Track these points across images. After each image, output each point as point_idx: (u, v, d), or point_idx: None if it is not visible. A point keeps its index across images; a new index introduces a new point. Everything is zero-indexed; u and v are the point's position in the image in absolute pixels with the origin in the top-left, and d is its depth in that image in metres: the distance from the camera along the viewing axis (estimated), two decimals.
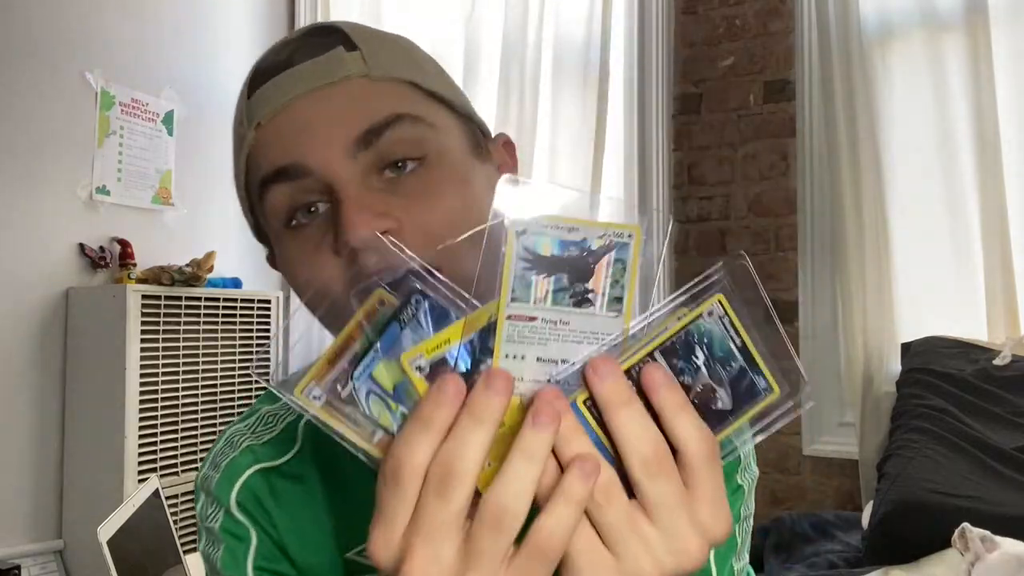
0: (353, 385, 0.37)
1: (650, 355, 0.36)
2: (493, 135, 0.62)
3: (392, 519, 0.34)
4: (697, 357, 0.36)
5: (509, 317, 0.35)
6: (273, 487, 0.58)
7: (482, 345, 0.36)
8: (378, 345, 0.37)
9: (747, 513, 0.58)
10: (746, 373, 0.36)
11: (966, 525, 1.47)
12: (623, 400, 0.34)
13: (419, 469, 0.34)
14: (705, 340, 0.36)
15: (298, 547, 0.57)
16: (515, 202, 0.35)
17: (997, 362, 1.97)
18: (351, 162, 0.50)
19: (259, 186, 0.53)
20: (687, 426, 0.35)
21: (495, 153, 0.61)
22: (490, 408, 0.33)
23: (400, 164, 0.51)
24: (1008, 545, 1.44)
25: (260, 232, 0.60)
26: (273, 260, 0.60)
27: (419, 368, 0.36)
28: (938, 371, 1.99)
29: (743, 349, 0.36)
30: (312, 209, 0.51)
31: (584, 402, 0.35)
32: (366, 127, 0.50)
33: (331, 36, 0.54)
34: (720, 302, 0.36)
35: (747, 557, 0.58)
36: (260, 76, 0.55)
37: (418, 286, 0.37)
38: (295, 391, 0.36)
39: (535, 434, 0.33)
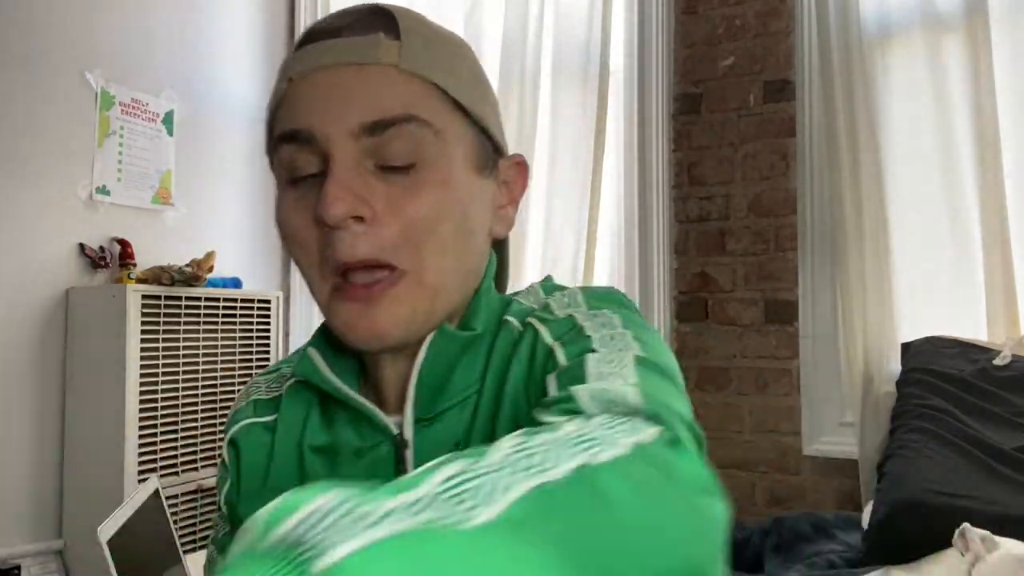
0: None
1: None
2: (510, 153, 0.64)
3: None
4: None
5: None
6: (254, 439, 0.65)
7: None
8: None
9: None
10: None
11: (966, 525, 1.47)
12: None
13: None
14: None
15: (243, 495, 0.64)
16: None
17: (997, 362, 1.97)
18: (352, 143, 0.53)
19: (275, 138, 0.57)
20: None
21: (504, 171, 0.63)
22: None
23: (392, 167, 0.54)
24: (1008, 545, 1.44)
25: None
26: None
27: None
28: (938, 371, 1.99)
29: None
30: (311, 171, 0.55)
31: None
32: (376, 118, 0.53)
33: (382, 19, 0.56)
34: None
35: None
36: (311, 35, 0.58)
37: None
38: None
39: None
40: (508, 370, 0.57)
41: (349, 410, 0.60)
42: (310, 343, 0.62)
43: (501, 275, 0.69)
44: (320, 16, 2.91)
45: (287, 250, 0.58)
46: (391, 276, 0.54)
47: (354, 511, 0.26)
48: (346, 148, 0.53)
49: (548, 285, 0.66)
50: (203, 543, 2.13)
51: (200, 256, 2.29)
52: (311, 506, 0.26)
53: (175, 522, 1.86)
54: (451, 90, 0.56)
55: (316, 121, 0.54)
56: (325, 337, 0.61)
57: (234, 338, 2.35)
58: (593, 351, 0.52)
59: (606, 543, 0.31)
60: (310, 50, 0.56)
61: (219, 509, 0.67)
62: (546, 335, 0.57)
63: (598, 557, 0.30)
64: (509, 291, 0.70)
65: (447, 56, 0.58)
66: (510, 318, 0.61)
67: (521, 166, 0.64)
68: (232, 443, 0.65)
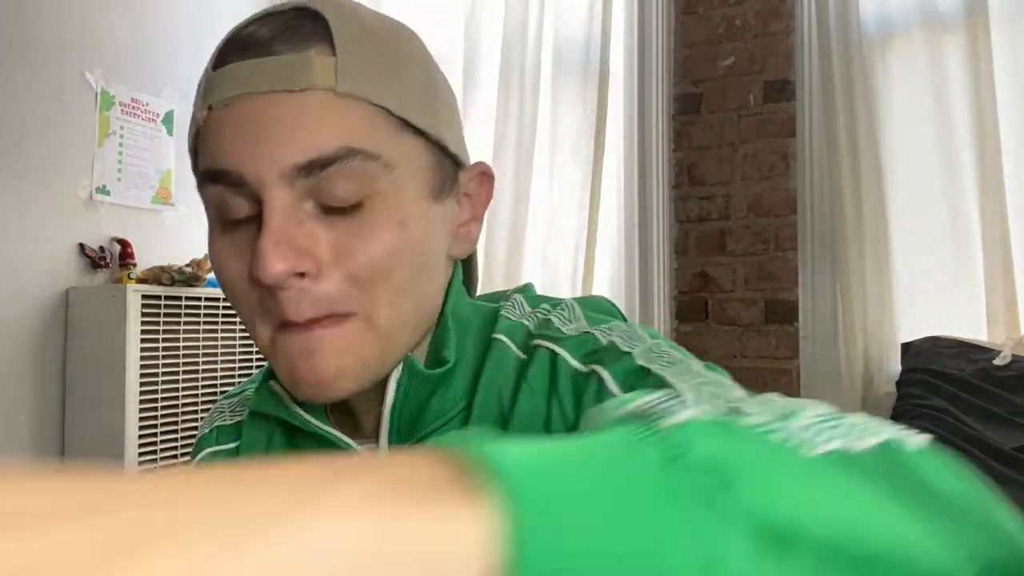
0: None
1: None
2: (472, 161, 0.57)
3: None
4: None
5: None
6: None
7: None
8: None
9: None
10: None
11: None
12: None
13: None
14: None
15: None
16: None
17: (997, 362, 1.97)
18: (286, 187, 0.46)
19: (200, 174, 0.51)
20: None
21: (466, 183, 0.56)
22: None
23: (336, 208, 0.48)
24: None
25: None
26: None
27: None
28: (938, 371, 1.99)
29: None
30: (243, 215, 0.49)
31: None
32: (313, 156, 0.46)
33: (315, 29, 0.48)
34: None
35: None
36: (232, 48, 0.50)
37: None
38: None
39: None
40: (516, 397, 0.52)
41: (317, 438, 0.55)
42: (270, 375, 0.58)
43: (469, 280, 0.63)
44: None
45: (225, 294, 0.52)
46: (336, 316, 0.48)
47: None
48: (281, 193, 0.46)
49: (531, 296, 0.60)
50: None
51: (200, 256, 2.29)
52: (652, 396, 0.30)
53: None
54: (398, 110, 0.49)
55: (244, 162, 0.46)
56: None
57: (234, 338, 2.35)
58: (645, 368, 0.48)
59: (945, 513, 0.28)
60: (230, 71, 0.48)
61: None
62: (569, 358, 0.51)
63: (945, 522, 0.27)
64: (490, 290, 0.66)
65: (390, 65, 0.50)
66: (501, 336, 0.55)
67: (485, 176, 0.57)
68: None
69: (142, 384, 2.08)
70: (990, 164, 2.10)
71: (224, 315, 2.32)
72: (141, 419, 2.08)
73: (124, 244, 2.28)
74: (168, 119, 2.49)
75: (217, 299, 2.29)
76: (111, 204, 2.31)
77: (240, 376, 2.35)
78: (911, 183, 2.23)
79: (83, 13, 2.27)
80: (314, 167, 0.46)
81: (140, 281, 2.20)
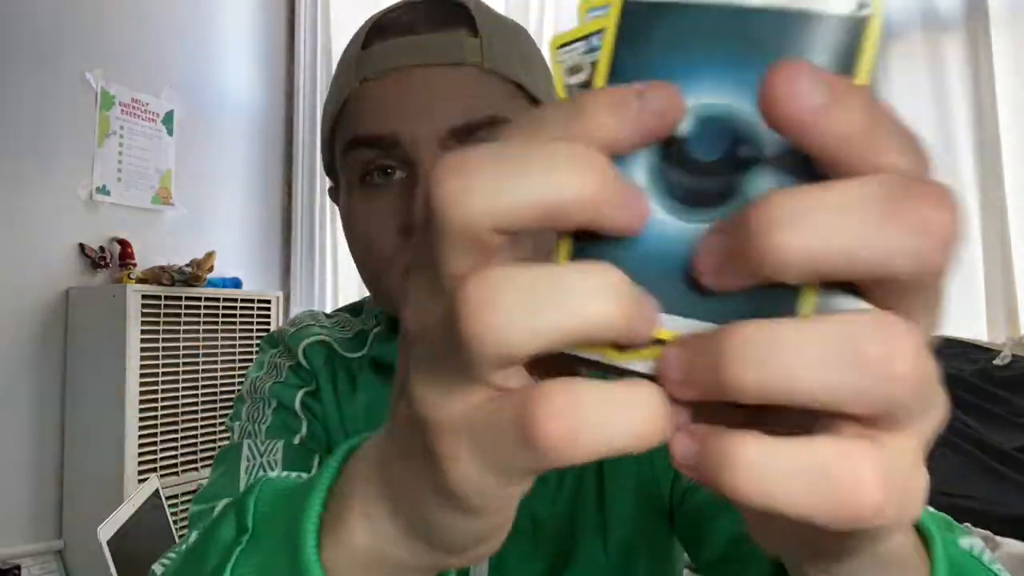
0: None
1: None
2: None
3: None
4: None
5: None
6: (334, 362, 0.63)
7: None
8: None
9: None
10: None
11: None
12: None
13: None
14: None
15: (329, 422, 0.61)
16: None
17: (997, 362, 1.97)
18: (440, 148, 0.51)
19: (348, 141, 0.54)
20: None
21: None
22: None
23: None
24: (1009, 545, 1.44)
25: (331, 167, 0.61)
26: (335, 195, 0.62)
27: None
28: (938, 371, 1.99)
29: None
30: (389, 171, 0.53)
31: None
32: (465, 121, 0.51)
33: (458, 14, 0.54)
34: None
35: None
36: (380, 30, 0.55)
37: None
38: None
39: None
40: None
41: None
42: (390, 329, 0.61)
43: None
44: (320, 17, 2.92)
45: (353, 251, 0.56)
46: None
47: None
48: (435, 154, 0.51)
49: None
50: None
51: (200, 256, 2.29)
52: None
53: (175, 522, 1.86)
54: (529, 87, 0.54)
55: (401, 125, 0.51)
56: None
57: (234, 338, 2.35)
58: None
59: None
60: (385, 48, 0.53)
61: (268, 401, 0.62)
62: None
63: None
64: None
65: (520, 51, 0.55)
66: None
67: None
68: (306, 354, 0.63)
69: (142, 384, 2.08)
70: (990, 164, 2.10)
71: (224, 315, 2.32)
72: (141, 419, 2.08)
73: (124, 244, 2.28)
74: (168, 119, 2.48)
75: (217, 299, 2.29)
76: (111, 204, 2.31)
77: (240, 376, 2.35)
78: None
79: (83, 13, 2.27)
80: (465, 131, 0.51)
81: (140, 281, 2.20)
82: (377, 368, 0.62)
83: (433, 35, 0.52)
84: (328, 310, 0.71)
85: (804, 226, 0.16)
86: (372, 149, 0.52)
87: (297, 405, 0.61)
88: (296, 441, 0.58)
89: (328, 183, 0.64)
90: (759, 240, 0.17)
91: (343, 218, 0.57)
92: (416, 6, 0.55)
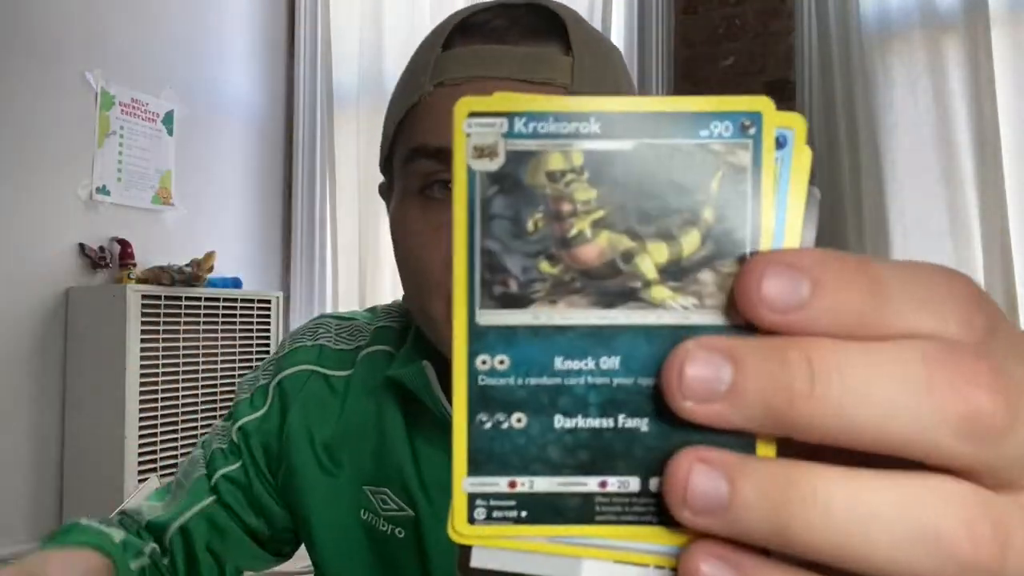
0: None
1: None
2: None
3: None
4: None
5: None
6: (310, 389, 0.62)
7: None
8: None
9: None
10: None
11: None
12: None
13: None
14: None
15: (293, 444, 0.61)
16: None
17: None
18: None
19: (413, 148, 0.50)
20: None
21: None
22: None
23: None
24: None
25: (387, 165, 0.58)
26: (386, 193, 0.59)
27: None
28: None
29: None
30: (451, 186, 0.51)
31: None
32: None
33: (552, 27, 0.50)
34: None
35: None
36: (465, 31, 0.50)
37: None
38: None
39: None
40: None
41: (442, 426, 0.55)
42: (415, 350, 0.57)
43: None
44: (320, 18, 2.91)
45: (399, 262, 0.52)
46: None
47: None
48: None
49: None
50: None
51: (200, 256, 2.29)
52: None
53: None
54: None
55: None
56: (427, 351, 0.56)
57: (234, 338, 2.35)
58: None
59: None
60: (467, 53, 0.49)
61: (230, 423, 0.64)
62: None
63: None
64: None
65: (612, 75, 0.51)
66: None
67: None
68: (279, 384, 0.62)
69: (142, 384, 2.08)
70: (990, 164, 2.10)
71: (224, 315, 2.32)
72: (141, 419, 2.08)
73: (124, 244, 2.28)
74: (168, 119, 2.49)
75: (217, 299, 2.29)
76: (111, 204, 2.31)
77: (240, 376, 2.35)
78: (911, 183, 2.23)
79: (83, 13, 2.27)
80: None
81: (140, 281, 2.20)
82: (394, 388, 0.59)
83: (522, 48, 0.48)
84: (328, 310, 0.70)
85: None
86: (437, 162, 0.49)
87: (235, 432, 0.63)
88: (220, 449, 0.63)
89: (376, 181, 0.62)
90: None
91: (392, 222, 0.54)
92: (509, 9, 0.51)
